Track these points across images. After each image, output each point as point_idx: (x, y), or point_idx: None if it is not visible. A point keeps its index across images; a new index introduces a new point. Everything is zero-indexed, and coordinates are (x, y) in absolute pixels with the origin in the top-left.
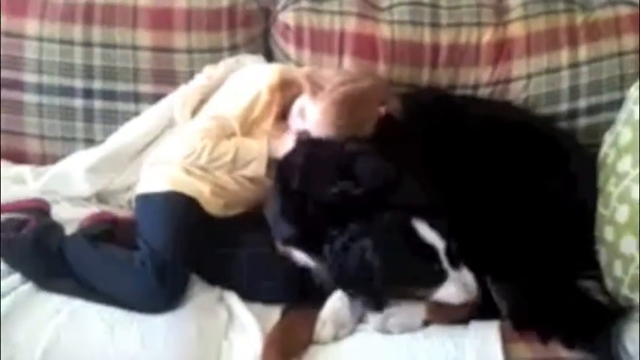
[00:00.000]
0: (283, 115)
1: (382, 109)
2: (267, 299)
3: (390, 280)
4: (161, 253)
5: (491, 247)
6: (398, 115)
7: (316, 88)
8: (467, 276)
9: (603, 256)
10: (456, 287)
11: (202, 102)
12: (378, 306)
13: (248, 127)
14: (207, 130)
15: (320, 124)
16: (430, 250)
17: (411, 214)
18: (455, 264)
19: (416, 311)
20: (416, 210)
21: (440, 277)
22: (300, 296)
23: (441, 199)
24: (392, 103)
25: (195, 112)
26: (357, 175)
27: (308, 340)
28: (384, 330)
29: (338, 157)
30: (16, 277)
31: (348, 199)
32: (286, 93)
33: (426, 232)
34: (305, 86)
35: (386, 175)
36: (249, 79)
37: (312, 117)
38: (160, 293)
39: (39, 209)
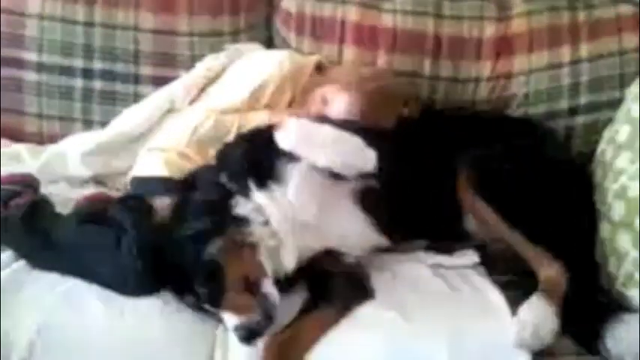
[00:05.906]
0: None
1: (405, 110)
2: None
3: None
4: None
5: None
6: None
7: (332, 88)
8: None
9: (598, 252)
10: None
11: (201, 92)
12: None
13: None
14: (211, 111)
15: (347, 113)
16: None
17: None
18: None
19: (546, 308)
20: None
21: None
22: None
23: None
24: (412, 105)
25: (193, 101)
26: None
27: (312, 344)
28: (530, 345)
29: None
30: (10, 253)
31: None
32: (296, 82)
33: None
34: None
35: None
36: (257, 65)
37: (339, 106)
38: (145, 278)
39: (28, 184)
